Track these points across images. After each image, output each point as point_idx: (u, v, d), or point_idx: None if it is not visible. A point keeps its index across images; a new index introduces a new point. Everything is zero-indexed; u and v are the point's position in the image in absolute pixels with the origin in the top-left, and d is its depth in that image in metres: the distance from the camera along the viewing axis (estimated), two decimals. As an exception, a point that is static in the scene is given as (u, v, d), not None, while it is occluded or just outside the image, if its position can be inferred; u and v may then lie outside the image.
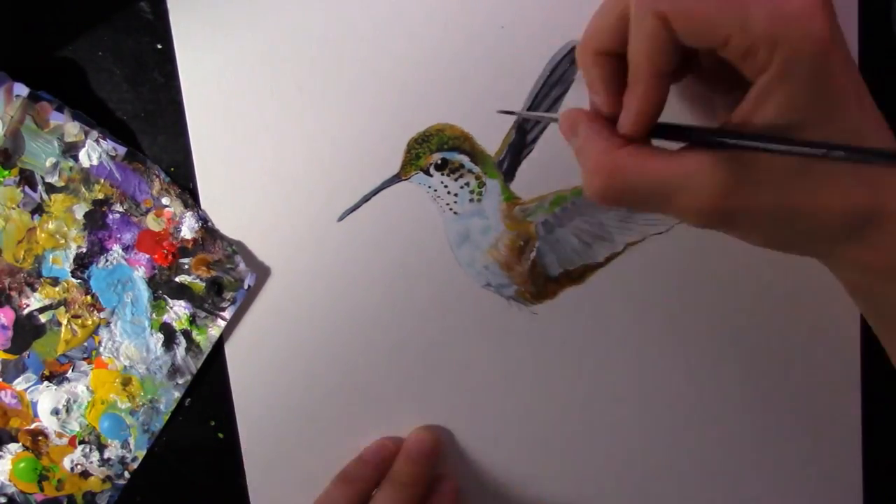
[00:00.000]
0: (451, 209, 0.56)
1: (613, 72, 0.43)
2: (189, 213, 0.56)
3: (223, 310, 0.57)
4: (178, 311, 0.57)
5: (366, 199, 0.56)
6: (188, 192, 0.56)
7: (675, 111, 0.51)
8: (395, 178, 0.55)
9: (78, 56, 0.55)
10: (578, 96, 0.54)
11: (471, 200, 0.55)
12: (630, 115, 0.42)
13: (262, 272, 0.57)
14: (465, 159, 0.55)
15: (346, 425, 0.59)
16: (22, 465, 0.59)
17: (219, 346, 0.58)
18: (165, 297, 0.57)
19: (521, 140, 0.54)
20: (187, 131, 0.55)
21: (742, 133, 0.40)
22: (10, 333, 0.57)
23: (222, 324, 0.57)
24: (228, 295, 0.56)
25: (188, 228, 0.56)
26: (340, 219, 0.56)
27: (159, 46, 0.54)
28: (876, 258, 0.42)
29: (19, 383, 0.58)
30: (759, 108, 0.40)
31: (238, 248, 0.56)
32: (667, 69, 0.41)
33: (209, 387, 0.59)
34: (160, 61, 0.55)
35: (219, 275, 0.56)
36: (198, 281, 0.56)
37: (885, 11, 0.52)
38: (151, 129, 0.56)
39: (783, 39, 0.38)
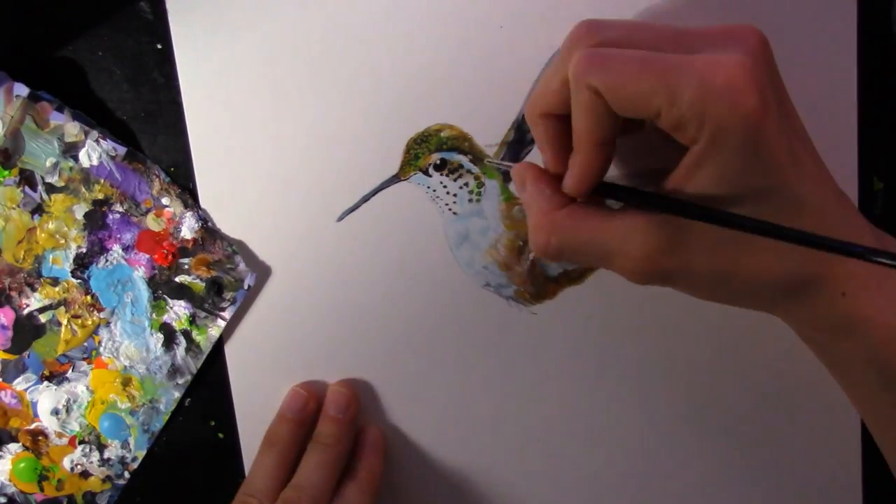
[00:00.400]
0: (450, 209, 0.55)
1: (559, 132, 0.45)
2: (189, 213, 0.55)
3: (223, 310, 0.56)
4: (178, 311, 0.57)
5: (365, 199, 0.55)
6: (188, 192, 0.55)
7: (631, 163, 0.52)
8: (394, 179, 0.55)
9: (78, 56, 0.55)
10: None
11: (470, 201, 0.55)
12: (573, 177, 0.44)
13: (263, 272, 0.56)
14: (464, 159, 0.54)
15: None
16: (22, 465, 0.59)
17: (219, 346, 0.58)
18: (165, 297, 0.56)
19: (520, 140, 0.54)
20: (187, 131, 0.55)
21: (676, 200, 0.41)
22: (10, 333, 0.57)
23: (222, 324, 0.57)
24: (228, 295, 0.56)
25: (188, 228, 0.56)
26: (340, 219, 0.56)
27: (159, 46, 0.54)
28: (818, 317, 0.43)
29: (19, 383, 0.58)
30: (691, 178, 0.40)
31: (238, 248, 0.56)
32: (606, 138, 0.42)
33: (209, 387, 0.59)
34: (160, 61, 0.54)
35: (219, 275, 0.56)
36: (198, 281, 0.56)
37: (885, 11, 0.52)
38: (151, 129, 0.55)
39: (711, 114, 0.38)
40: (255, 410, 0.58)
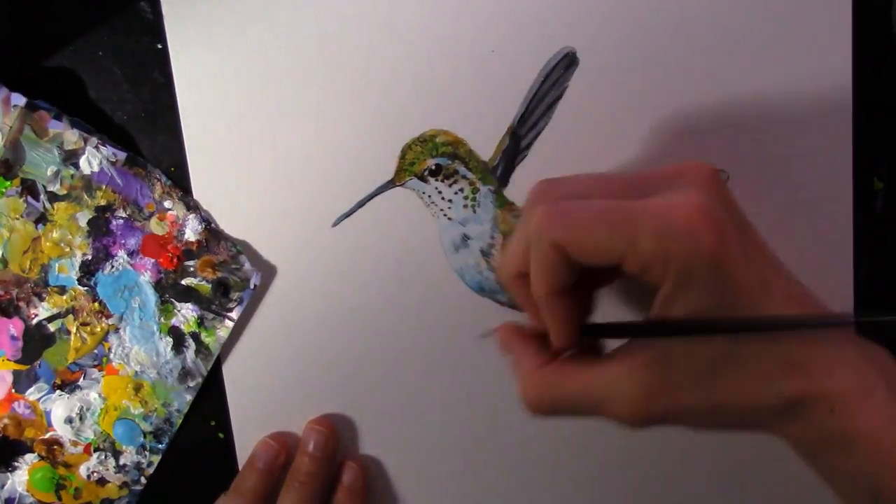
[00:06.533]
0: (445, 215, 0.54)
1: None
2: (192, 216, 0.54)
3: (230, 310, 0.55)
4: (185, 314, 0.55)
5: (360, 204, 0.54)
6: (190, 195, 0.54)
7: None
8: (390, 184, 0.53)
9: (78, 56, 0.53)
10: (573, 103, 0.52)
11: (465, 206, 0.54)
12: (552, 333, 0.42)
13: (268, 271, 0.55)
14: (459, 165, 0.53)
15: (342, 427, 0.57)
16: (38, 475, 0.57)
17: (217, 346, 0.57)
18: (172, 300, 0.55)
19: (515, 146, 0.53)
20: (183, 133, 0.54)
21: (659, 322, 0.40)
22: (20, 344, 0.55)
23: (230, 324, 0.55)
24: (235, 295, 0.54)
25: (191, 231, 0.54)
26: (335, 224, 0.54)
27: (159, 46, 0.53)
28: (810, 435, 0.41)
29: (32, 393, 0.56)
30: (667, 314, 0.39)
31: (242, 248, 0.54)
32: (561, 287, 0.40)
33: (209, 387, 0.57)
34: (160, 61, 0.53)
35: (224, 275, 0.54)
36: (204, 283, 0.54)
37: (884, 11, 0.51)
38: (152, 130, 0.54)
39: (673, 257, 0.37)
40: (250, 411, 0.57)
